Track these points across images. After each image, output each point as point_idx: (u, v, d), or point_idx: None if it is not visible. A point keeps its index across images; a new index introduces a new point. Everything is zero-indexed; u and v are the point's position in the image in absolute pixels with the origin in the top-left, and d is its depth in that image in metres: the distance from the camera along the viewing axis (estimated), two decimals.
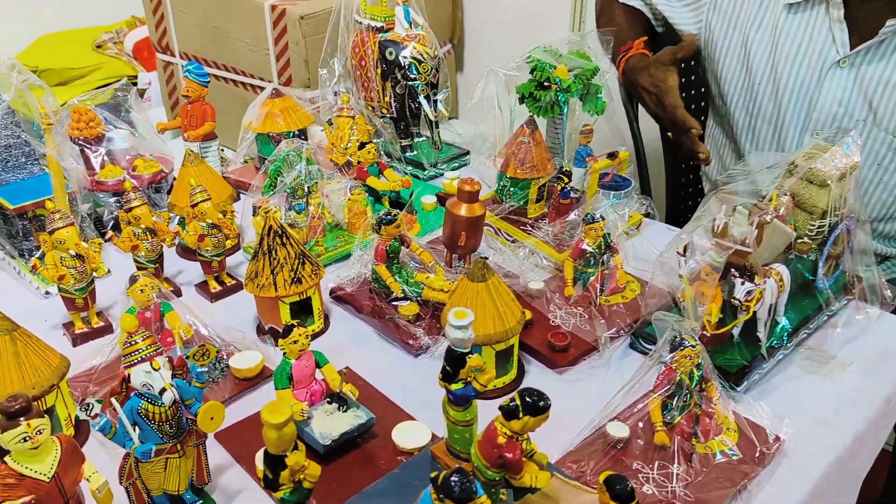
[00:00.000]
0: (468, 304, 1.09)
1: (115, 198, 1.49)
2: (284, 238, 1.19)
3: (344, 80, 1.95)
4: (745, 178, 1.31)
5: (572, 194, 1.46)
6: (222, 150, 1.97)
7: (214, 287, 1.37)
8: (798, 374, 1.19)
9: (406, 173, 1.85)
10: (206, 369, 0.90)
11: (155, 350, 0.85)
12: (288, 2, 2.09)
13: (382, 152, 1.87)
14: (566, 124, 1.58)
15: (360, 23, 1.82)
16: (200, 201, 1.30)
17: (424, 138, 1.92)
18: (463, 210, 1.33)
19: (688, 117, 1.55)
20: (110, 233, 1.29)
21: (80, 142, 1.50)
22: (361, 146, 1.60)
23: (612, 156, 1.50)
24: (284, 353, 1.03)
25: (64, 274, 1.20)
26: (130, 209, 1.28)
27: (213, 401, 0.87)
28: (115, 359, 1.17)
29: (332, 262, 1.46)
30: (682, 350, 1.01)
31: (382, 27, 1.77)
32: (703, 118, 2.01)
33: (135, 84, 3.43)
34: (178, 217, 1.35)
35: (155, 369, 0.83)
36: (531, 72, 1.54)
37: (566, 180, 1.43)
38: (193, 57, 2.40)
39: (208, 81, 1.60)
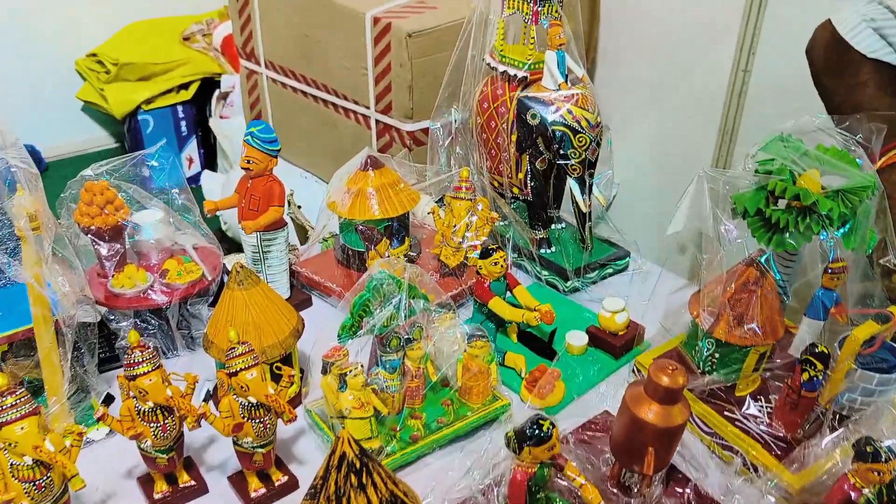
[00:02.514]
0: None
1: (134, 319, 1.04)
2: (364, 476, 0.71)
3: (464, 139, 1.46)
4: None
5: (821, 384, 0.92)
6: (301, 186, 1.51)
7: (256, 487, 0.90)
8: None
9: (540, 279, 1.33)
10: None
11: None
12: (394, 14, 1.61)
13: (509, 246, 1.37)
14: (801, 258, 1.03)
15: (493, 68, 1.31)
16: (242, 369, 0.83)
17: (564, 225, 1.40)
18: (652, 414, 0.82)
19: None
20: (101, 409, 0.83)
21: (91, 232, 1.05)
22: (486, 254, 1.09)
23: (883, 318, 0.95)
24: None
25: (14, 495, 0.74)
26: (134, 377, 0.82)
27: None
28: None
29: (432, 451, 0.97)
30: None
31: (525, 78, 1.26)
32: None
33: (218, 85, 3.09)
34: (206, 388, 0.88)
35: None
36: (757, 171, 1.00)
37: (819, 366, 0.89)
38: (279, 68, 1.96)
39: (278, 150, 1.12)
